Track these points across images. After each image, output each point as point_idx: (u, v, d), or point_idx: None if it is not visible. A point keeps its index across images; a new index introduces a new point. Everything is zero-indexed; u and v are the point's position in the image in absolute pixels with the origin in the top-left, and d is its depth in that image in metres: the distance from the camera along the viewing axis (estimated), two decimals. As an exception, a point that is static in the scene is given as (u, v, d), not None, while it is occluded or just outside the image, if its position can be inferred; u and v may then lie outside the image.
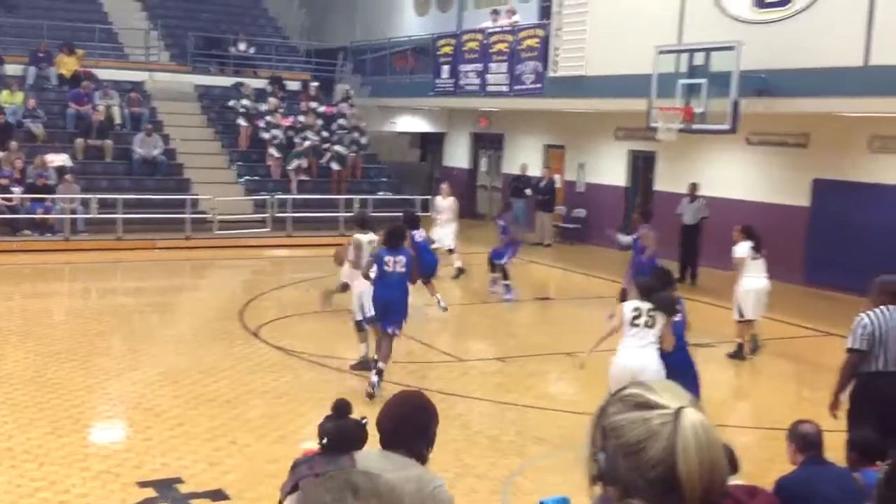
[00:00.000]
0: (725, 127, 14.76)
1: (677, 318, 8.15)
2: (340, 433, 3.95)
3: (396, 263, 9.66)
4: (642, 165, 21.35)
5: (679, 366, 7.88)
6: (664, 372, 7.77)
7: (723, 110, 14.65)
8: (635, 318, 8.00)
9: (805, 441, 5.32)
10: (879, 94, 13.40)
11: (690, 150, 18.77)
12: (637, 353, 7.87)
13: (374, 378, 9.53)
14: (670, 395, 1.66)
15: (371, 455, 3.76)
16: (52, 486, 7.17)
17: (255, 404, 9.49)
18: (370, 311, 10.11)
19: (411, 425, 3.72)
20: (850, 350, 6.99)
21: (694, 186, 17.96)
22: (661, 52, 15.63)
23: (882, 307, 6.94)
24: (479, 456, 8.28)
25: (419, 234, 14.31)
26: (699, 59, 15.21)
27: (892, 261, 13.38)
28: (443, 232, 17.11)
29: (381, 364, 9.67)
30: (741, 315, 11.77)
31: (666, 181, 20.24)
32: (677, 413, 1.61)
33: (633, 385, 1.72)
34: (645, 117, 16.01)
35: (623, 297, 10.82)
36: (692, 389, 7.84)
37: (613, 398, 1.71)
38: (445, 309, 13.29)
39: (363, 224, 11.22)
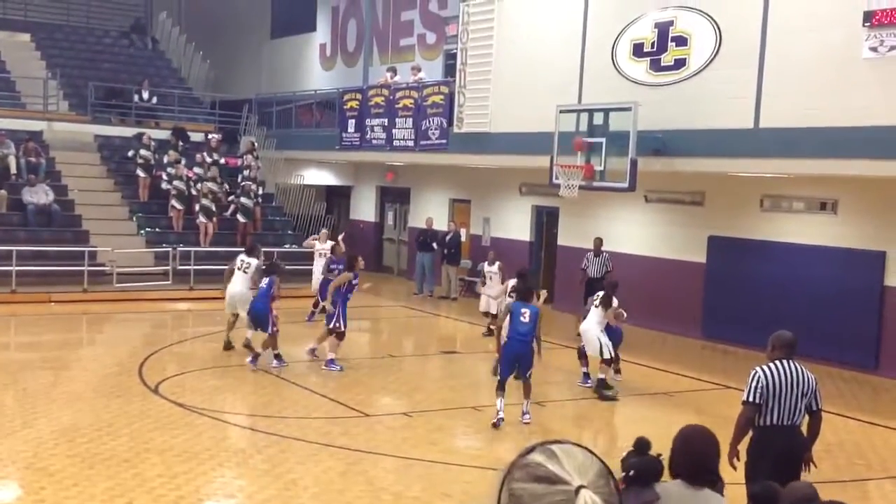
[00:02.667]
0: (624, 185, 15.14)
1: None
2: (644, 467, 4.53)
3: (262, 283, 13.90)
4: (546, 220, 21.73)
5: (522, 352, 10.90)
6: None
7: (621, 168, 15.05)
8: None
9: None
10: (768, 156, 13.99)
11: (592, 207, 19.19)
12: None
13: (275, 361, 13.61)
14: (574, 469, 1.68)
15: (672, 487, 4.38)
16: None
17: (153, 463, 9.24)
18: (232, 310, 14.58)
19: (710, 459, 4.48)
20: (744, 403, 7.20)
21: (599, 241, 18.41)
22: (562, 111, 16.03)
23: (777, 361, 7.17)
24: (384, 513, 8.20)
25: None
26: (598, 118, 15.64)
27: (784, 315, 13.90)
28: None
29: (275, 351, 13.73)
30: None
31: (569, 236, 20.63)
32: (577, 492, 1.64)
33: (539, 451, 1.72)
34: (548, 174, 16.34)
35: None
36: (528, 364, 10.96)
37: (520, 461, 1.73)
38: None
39: (250, 251, 14.90)
